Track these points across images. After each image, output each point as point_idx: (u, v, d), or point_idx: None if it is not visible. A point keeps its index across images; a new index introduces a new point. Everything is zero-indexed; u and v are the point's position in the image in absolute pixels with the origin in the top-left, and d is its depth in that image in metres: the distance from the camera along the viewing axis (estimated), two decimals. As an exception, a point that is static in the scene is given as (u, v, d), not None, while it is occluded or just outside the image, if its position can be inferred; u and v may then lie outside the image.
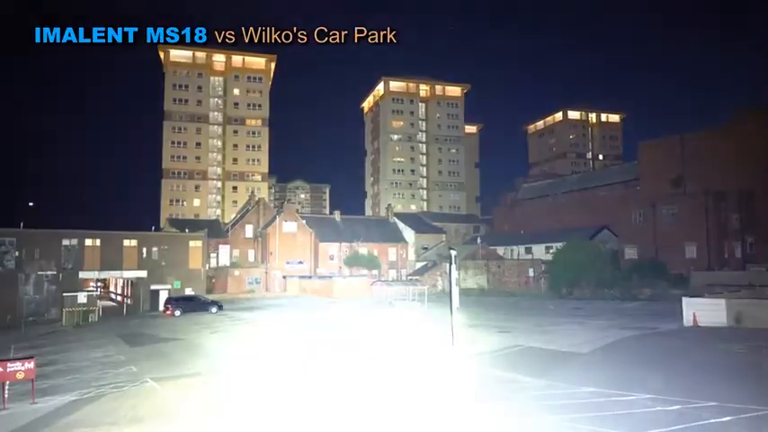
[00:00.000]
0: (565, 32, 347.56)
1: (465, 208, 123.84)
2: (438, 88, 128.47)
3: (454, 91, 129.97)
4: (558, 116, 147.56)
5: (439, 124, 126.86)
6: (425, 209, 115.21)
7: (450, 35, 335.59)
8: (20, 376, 16.89)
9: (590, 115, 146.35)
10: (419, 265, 70.40)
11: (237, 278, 63.87)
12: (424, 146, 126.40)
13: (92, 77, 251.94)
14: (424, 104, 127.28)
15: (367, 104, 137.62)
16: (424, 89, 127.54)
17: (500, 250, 69.52)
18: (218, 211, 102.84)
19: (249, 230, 67.70)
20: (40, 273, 40.25)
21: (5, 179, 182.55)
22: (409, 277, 60.96)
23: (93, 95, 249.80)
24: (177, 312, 40.02)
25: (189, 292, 44.98)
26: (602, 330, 27.09)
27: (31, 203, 69.80)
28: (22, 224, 42.80)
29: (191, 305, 41.47)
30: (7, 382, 16.73)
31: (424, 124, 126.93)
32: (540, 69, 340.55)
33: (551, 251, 59.01)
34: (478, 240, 71.53)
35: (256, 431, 12.84)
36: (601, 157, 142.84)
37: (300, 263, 66.79)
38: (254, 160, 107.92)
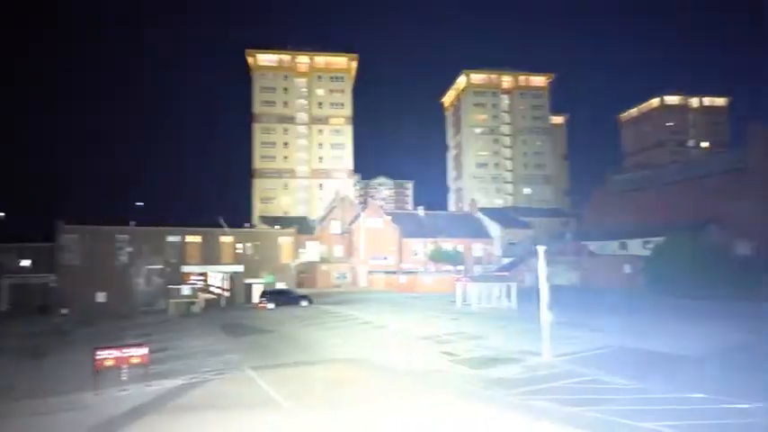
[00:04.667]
0: (653, 15, 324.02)
1: (553, 202, 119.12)
2: (521, 79, 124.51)
3: (538, 81, 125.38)
4: (655, 102, 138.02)
5: (523, 116, 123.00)
6: (511, 203, 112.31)
7: (531, 23, 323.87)
8: (135, 361, 18.49)
9: (690, 100, 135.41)
10: (505, 260, 68.79)
11: (325, 273, 65.79)
12: (509, 139, 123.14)
13: (187, 83, 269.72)
14: (506, 96, 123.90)
15: (447, 99, 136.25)
16: (506, 80, 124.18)
17: (591, 246, 66.19)
18: (306, 209, 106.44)
19: (335, 227, 69.44)
20: (149, 267, 43.80)
21: (119, 181, 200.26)
22: (496, 273, 59.70)
23: (188, 98, 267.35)
24: (271, 305, 41.93)
25: (280, 286, 46.91)
26: (708, 330, 25.03)
27: (140, 203, 76.08)
28: (134, 223, 46.81)
29: (283, 298, 43.26)
30: (125, 366, 18.37)
31: (507, 116, 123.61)
32: (630, 54, 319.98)
33: (649, 246, 55.30)
34: (568, 235, 68.63)
35: (350, 420, 13.13)
36: (704, 144, 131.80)
37: (385, 258, 67.55)
38: (338, 158, 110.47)
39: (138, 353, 18.77)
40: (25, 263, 44.81)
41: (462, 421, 12.99)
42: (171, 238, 45.48)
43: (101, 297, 42.07)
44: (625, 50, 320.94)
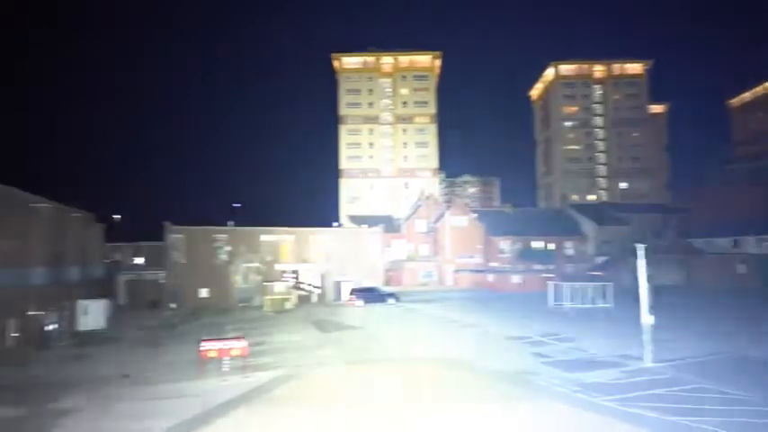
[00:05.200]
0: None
1: (653, 196, 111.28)
2: (615, 67, 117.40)
3: (634, 68, 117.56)
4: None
5: (617, 106, 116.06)
6: (605, 199, 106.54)
7: (625, 8, 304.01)
8: (235, 353, 19.74)
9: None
10: (600, 259, 65.40)
11: (411, 271, 66.14)
12: (602, 131, 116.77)
13: (277, 88, 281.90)
14: (599, 86, 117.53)
15: (535, 92, 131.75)
16: (598, 70, 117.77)
17: (697, 243, 61.25)
18: (392, 207, 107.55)
19: (421, 225, 69.56)
20: (246, 265, 46.43)
21: (218, 183, 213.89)
22: (590, 273, 56.95)
23: (278, 103, 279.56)
24: (359, 302, 42.89)
25: (367, 284, 47.80)
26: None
27: (237, 204, 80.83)
28: (232, 223, 49.83)
29: (371, 296, 44.08)
30: (226, 358, 19.65)
31: (600, 107, 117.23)
32: (740, 33, 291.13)
33: (766, 244, 50.24)
34: (670, 232, 63.97)
35: (443, 419, 13.15)
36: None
37: (471, 257, 66.69)
38: (423, 157, 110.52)
39: (238, 345, 20.03)
40: (139, 261, 49.32)
41: (557, 426, 12.58)
42: (266, 238, 47.89)
43: (204, 293, 45.26)
44: (733, 28, 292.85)
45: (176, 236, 46.12)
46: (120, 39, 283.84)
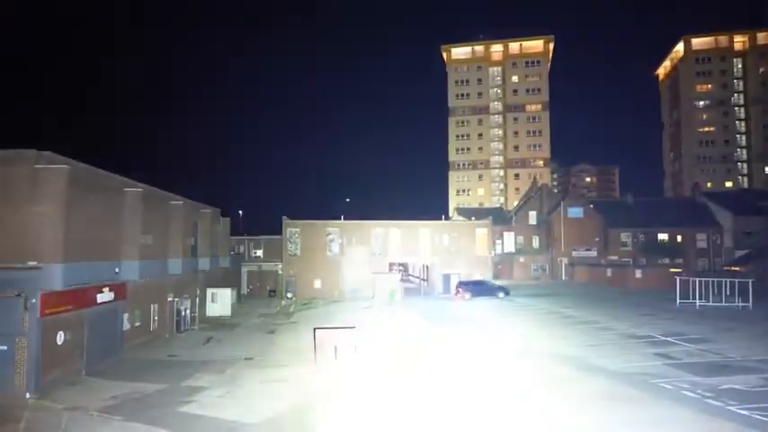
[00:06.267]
0: None
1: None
2: (760, 36, 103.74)
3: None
4: None
5: (763, 81, 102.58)
6: (746, 185, 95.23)
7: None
8: (346, 341, 20.45)
9: None
10: (740, 253, 58.62)
11: (522, 265, 64.15)
12: (742, 110, 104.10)
13: (389, 83, 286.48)
14: (739, 59, 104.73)
15: (663, 70, 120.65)
16: (739, 41, 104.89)
17: None
18: (502, 199, 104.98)
19: (532, 217, 67.08)
20: (356, 257, 48.01)
21: (329, 181, 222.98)
22: (726, 268, 51.33)
23: (390, 98, 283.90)
24: (467, 296, 42.44)
25: (476, 277, 47.13)
26: None
27: (347, 199, 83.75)
28: (343, 217, 51.71)
29: (479, 289, 43.41)
30: (338, 345, 20.43)
31: (740, 83, 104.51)
32: None
33: None
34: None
35: (555, 416, 12.68)
36: None
37: (588, 250, 63.11)
38: (535, 146, 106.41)
39: (349, 334, 20.75)
40: (259, 253, 52.99)
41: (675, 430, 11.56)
42: (375, 231, 49.10)
43: (317, 283, 47.55)
44: None
45: (292, 229, 48.83)
46: (241, 34, 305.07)
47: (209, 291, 35.54)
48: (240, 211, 63.33)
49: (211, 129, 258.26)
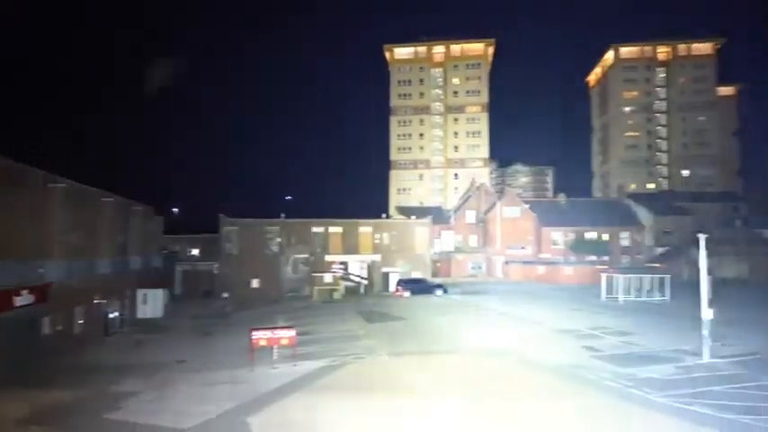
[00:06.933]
0: None
1: (720, 184, 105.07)
2: (681, 48, 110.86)
3: (703, 48, 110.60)
4: None
5: (682, 90, 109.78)
6: (666, 187, 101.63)
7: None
8: (284, 342, 20.22)
9: None
10: (659, 251, 62.64)
11: (460, 263, 65.58)
12: (665, 116, 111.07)
13: (329, 81, 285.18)
14: (663, 69, 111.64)
15: (593, 77, 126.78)
16: (663, 51, 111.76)
17: (767, 233, 57.56)
18: (441, 198, 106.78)
19: (471, 216, 68.71)
20: (296, 256, 47.50)
21: (268, 178, 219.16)
22: (647, 264, 54.67)
23: (330, 96, 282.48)
24: (406, 294, 42.93)
25: (415, 275, 47.80)
26: None
27: (288, 197, 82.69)
28: (283, 215, 50.98)
29: (418, 287, 44.01)
30: (275, 346, 20.18)
31: (663, 91, 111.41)
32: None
33: None
34: (738, 222, 60.42)
35: (488, 411, 13.01)
36: None
37: (522, 248, 65.36)
38: (474, 146, 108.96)
39: (286, 335, 20.51)
40: (194, 252, 51.44)
41: (606, 422, 12.19)
42: (315, 230, 48.80)
43: (255, 283, 46.71)
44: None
45: (230, 228, 47.68)
46: (177, 34, 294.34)
47: (140, 292, 34.10)
48: (175, 209, 61.13)
49: (149, 126, 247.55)
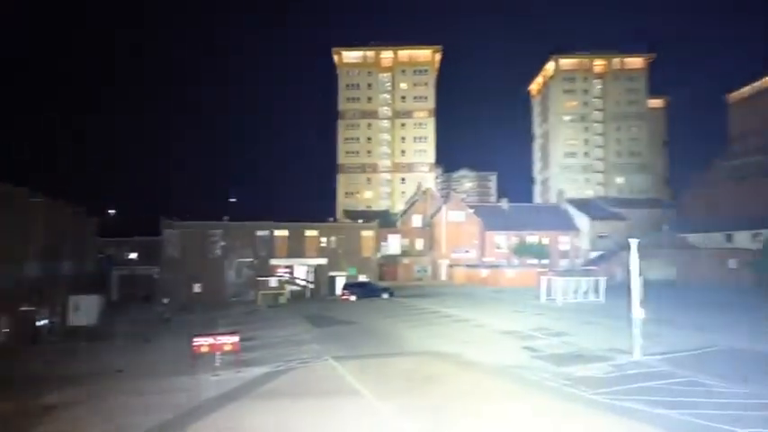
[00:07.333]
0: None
1: (650, 192, 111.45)
2: (615, 61, 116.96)
3: (635, 62, 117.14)
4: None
5: (617, 101, 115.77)
6: (602, 194, 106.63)
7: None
8: (227, 348, 19.69)
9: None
10: (594, 254, 65.58)
11: (406, 266, 66.21)
12: (601, 126, 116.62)
13: (276, 84, 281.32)
14: (599, 80, 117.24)
15: (535, 86, 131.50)
16: (598, 64, 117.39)
17: (691, 238, 61.46)
18: (389, 202, 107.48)
19: (417, 220, 69.56)
20: (240, 260, 46.44)
21: (212, 180, 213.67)
22: (583, 267, 57.09)
23: (277, 99, 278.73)
24: (352, 297, 42.92)
25: (362, 278, 47.85)
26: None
27: (233, 200, 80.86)
28: (227, 218, 49.76)
29: (364, 291, 44.11)
30: (218, 353, 19.63)
31: (599, 102, 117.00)
32: (743, 26, 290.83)
33: (760, 239, 50.46)
34: (665, 227, 64.17)
35: (431, 411, 13.16)
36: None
37: (467, 252, 66.75)
38: (420, 151, 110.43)
39: (230, 341, 19.98)
40: (133, 256, 49.32)
41: (545, 420, 12.60)
42: (260, 233, 47.92)
43: (197, 288, 45.32)
44: (737, 22, 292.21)
45: (171, 231, 46.09)
46: (109, 33, 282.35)
47: (72, 298, 32.33)
48: (112, 211, 58.37)
49: (78, 122, 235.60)
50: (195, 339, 19.79)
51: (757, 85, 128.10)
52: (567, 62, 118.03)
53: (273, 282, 43.82)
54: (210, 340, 19.83)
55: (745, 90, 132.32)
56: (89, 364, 21.82)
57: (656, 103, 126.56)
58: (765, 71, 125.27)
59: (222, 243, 46.57)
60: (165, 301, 43.98)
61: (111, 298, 43.93)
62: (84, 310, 32.52)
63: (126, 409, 15.07)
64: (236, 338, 20.10)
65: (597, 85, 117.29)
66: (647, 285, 21.37)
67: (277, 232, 48.41)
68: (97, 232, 41.18)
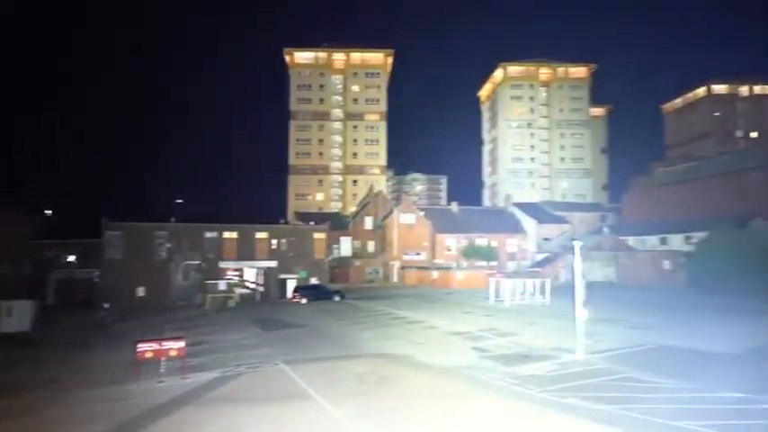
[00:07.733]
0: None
1: (591, 196, 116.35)
2: (560, 70, 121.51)
3: (579, 72, 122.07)
4: (701, 92, 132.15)
5: (561, 108, 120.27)
6: (547, 198, 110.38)
7: (573, 12, 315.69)
8: (173, 354, 19.05)
9: (740, 89, 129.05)
10: (540, 256, 67.73)
11: (358, 269, 66.22)
12: (546, 132, 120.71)
13: (226, 83, 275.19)
14: (544, 88, 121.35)
15: (484, 93, 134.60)
16: (544, 72, 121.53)
17: (630, 240, 64.52)
18: (340, 204, 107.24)
19: (369, 222, 69.72)
20: (187, 262, 45.09)
21: (160, 179, 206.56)
22: (530, 269, 58.86)
23: (227, 97, 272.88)
24: (303, 300, 42.52)
25: (313, 281, 47.50)
26: (753, 328, 24.07)
27: (179, 201, 78.18)
28: (173, 219, 48.16)
29: (316, 293, 43.79)
30: (163, 359, 18.98)
31: (545, 109, 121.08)
32: (677, 41, 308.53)
33: (692, 241, 53.54)
34: (605, 230, 67.06)
35: (383, 412, 13.20)
36: (754, 135, 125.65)
37: (418, 254, 67.47)
38: (372, 154, 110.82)
39: (175, 346, 19.34)
40: (71, 258, 46.89)
41: (491, 417, 12.89)
42: (208, 235, 46.73)
43: (141, 291, 43.64)
44: (672, 37, 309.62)
45: (113, 232, 44.21)
46: (59, 31, 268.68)
47: (4, 303, 30.46)
48: (49, 212, 55.34)
49: (21, 122, 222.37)
50: (139, 345, 19.06)
51: (689, 96, 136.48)
52: (514, 70, 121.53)
53: (222, 285, 42.82)
54: (155, 346, 19.13)
55: (678, 101, 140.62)
56: (19, 373, 20.63)
57: (598, 111, 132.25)
58: (697, 83, 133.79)
59: (168, 245, 45.04)
60: (106, 305, 42.11)
61: (47, 303, 41.64)
62: (17, 315, 30.71)
63: (63, 420, 14.34)
64: (181, 343, 19.49)
65: (543, 93, 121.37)
66: (590, 286, 22.25)
67: (226, 234, 47.33)
68: (37, 234, 38.92)
